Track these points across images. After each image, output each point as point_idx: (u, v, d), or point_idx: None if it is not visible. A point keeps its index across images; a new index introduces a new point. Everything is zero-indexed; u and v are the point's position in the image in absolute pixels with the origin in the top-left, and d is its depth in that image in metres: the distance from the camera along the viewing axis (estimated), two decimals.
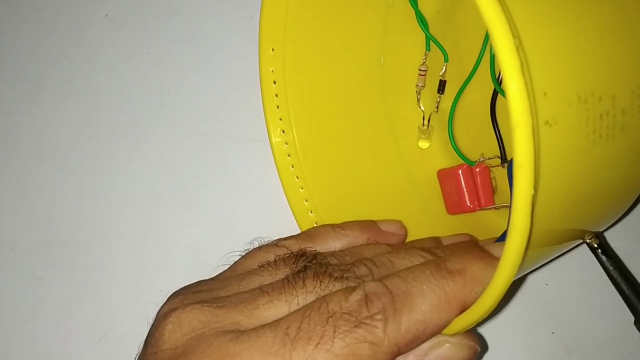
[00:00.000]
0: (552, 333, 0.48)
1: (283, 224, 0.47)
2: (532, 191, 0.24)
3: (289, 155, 0.48)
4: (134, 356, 0.34)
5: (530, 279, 0.49)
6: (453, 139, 0.47)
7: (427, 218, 0.48)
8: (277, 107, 0.48)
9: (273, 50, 0.47)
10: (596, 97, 0.27)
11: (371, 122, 0.49)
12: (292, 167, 0.48)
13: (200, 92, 0.52)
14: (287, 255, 0.38)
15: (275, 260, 0.37)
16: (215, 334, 0.31)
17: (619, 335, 0.48)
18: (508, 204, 0.44)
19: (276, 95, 0.48)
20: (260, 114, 0.48)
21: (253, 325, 0.32)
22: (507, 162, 0.44)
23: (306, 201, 0.48)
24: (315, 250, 0.39)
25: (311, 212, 0.47)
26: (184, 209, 0.51)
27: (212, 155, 0.51)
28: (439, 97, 0.48)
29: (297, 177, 0.48)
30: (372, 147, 0.49)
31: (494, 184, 0.46)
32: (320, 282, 0.33)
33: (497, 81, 0.43)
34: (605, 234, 0.47)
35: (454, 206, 0.47)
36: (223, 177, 0.51)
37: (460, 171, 0.46)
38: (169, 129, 0.51)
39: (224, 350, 0.30)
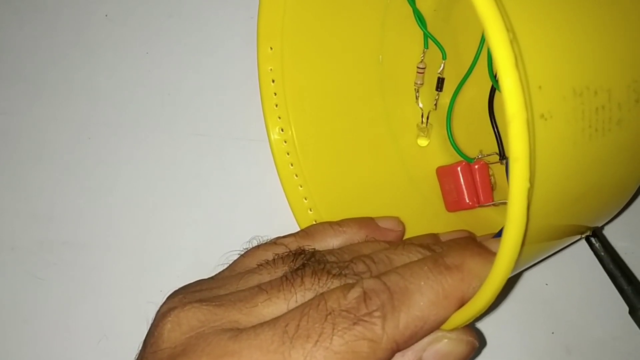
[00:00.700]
0: (552, 333, 0.48)
1: (282, 223, 0.47)
2: (528, 184, 0.24)
3: (288, 154, 0.48)
4: (134, 356, 0.34)
5: (530, 278, 0.49)
6: (451, 136, 0.47)
7: (426, 215, 0.48)
8: (276, 105, 0.48)
9: (271, 49, 0.47)
10: (591, 91, 0.27)
11: (370, 120, 0.49)
12: (291, 165, 0.48)
13: (200, 92, 0.52)
14: (286, 253, 0.38)
15: (274, 259, 0.37)
16: (214, 332, 0.31)
17: (619, 335, 0.48)
18: (507, 201, 0.44)
19: (275, 94, 0.48)
20: (260, 114, 0.48)
21: (252, 324, 0.32)
22: (505, 158, 0.44)
23: (305, 199, 0.48)
24: (314, 248, 0.39)
25: (310, 210, 0.47)
26: (183, 209, 0.51)
27: (212, 155, 0.51)
28: (438, 94, 0.48)
29: (296, 175, 0.48)
30: (371, 144, 0.49)
31: (492, 180, 0.46)
32: (319, 279, 0.33)
33: (495, 78, 0.43)
34: (605, 233, 0.47)
35: (453, 203, 0.47)
36: (223, 177, 0.51)
37: (459, 168, 0.46)
38: (169, 129, 0.51)
39: (223, 349, 0.30)
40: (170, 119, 0.52)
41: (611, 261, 0.40)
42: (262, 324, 0.31)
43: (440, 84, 0.48)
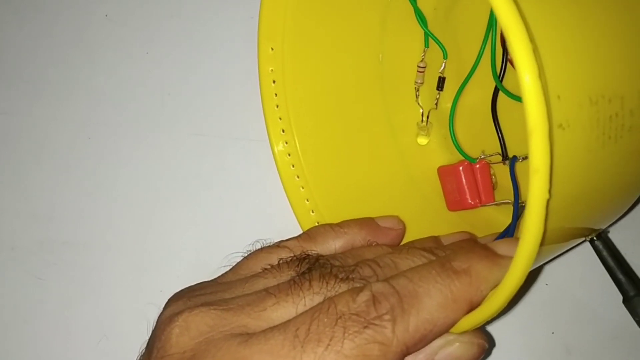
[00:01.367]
0: (552, 333, 0.48)
1: (284, 224, 0.47)
2: (547, 196, 0.24)
3: (289, 155, 0.48)
4: (134, 356, 0.34)
5: None
6: (454, 136, 0.47)
7: (428, 215, 0.48)
8: (277, 106, 0.48)
9: (272, 49, 0.47)
10: (606, 98, 0.27)
11: (370, 119, 0.49)
12: (293, 166, 0.48)
13: (200, 92, 0.52)
14: (290, 257, 0.38)
15: (278, 263, 0.37)
16: (224, 337, 0.31)
17: (619, 335, 0.48)
18: (509, 201, 0.44)
19: (275, 95, 0.48)
20: (261, 114, 0.48)
21: (261, 328, 0.32)
22: (508, 159, 0.44)
23: (307, 201, 0.48)
24: (317, 252, 0.39)
25: (312, 212, 0.47)
26: (184, 209, 0.51)
27: (212, 155, 0.51)
28: (438, 93, 0.48)
29: (298, 177, 0.48)
30: (372, 144, 0.49)
31: (494, 180, 0.46)
32: (327, 283, 0.33)
33: (499, 79, 0.43)
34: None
35: (454, 203, 0.47)
36: (223, 177, 0.51)
37: (461, 168, 0.46)
38: (169, 129, 0.51)
39: (234, 354, 0.30)
40: (170, 119, 0.51)
41: (612, 260, 0.40)
42: (272, 329, 0.31)
43: (441, 83, 0.48)
